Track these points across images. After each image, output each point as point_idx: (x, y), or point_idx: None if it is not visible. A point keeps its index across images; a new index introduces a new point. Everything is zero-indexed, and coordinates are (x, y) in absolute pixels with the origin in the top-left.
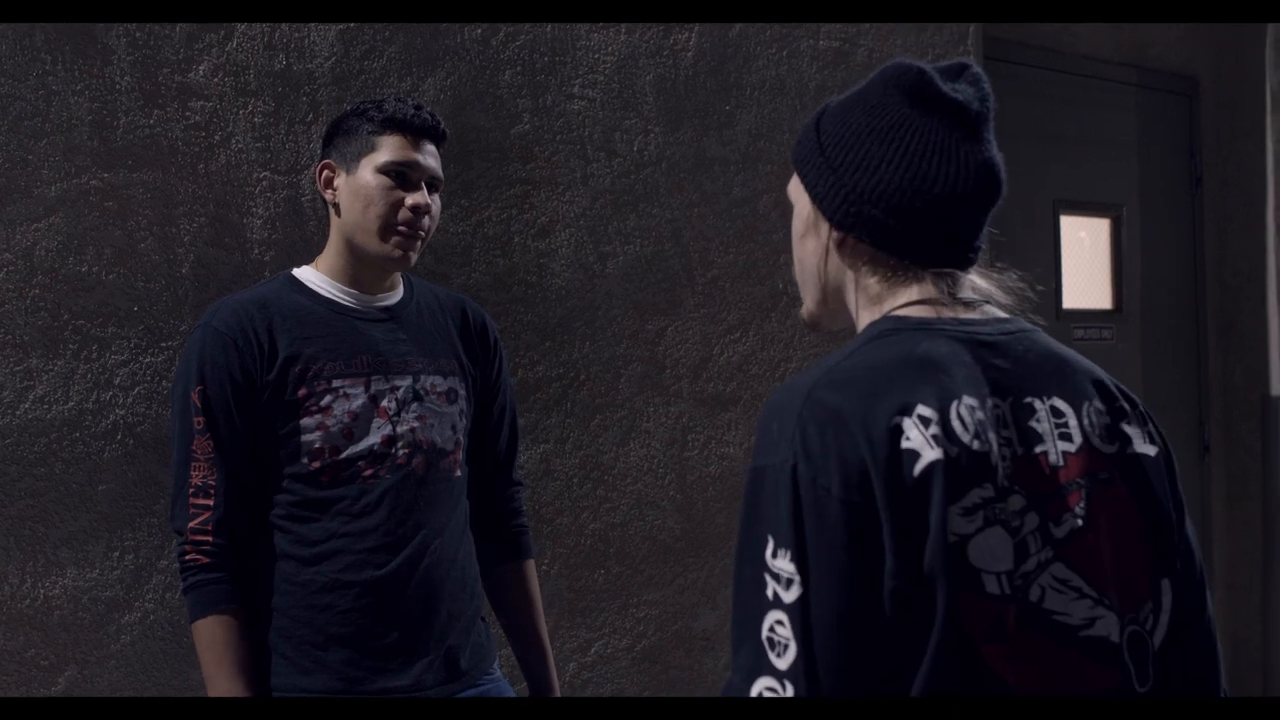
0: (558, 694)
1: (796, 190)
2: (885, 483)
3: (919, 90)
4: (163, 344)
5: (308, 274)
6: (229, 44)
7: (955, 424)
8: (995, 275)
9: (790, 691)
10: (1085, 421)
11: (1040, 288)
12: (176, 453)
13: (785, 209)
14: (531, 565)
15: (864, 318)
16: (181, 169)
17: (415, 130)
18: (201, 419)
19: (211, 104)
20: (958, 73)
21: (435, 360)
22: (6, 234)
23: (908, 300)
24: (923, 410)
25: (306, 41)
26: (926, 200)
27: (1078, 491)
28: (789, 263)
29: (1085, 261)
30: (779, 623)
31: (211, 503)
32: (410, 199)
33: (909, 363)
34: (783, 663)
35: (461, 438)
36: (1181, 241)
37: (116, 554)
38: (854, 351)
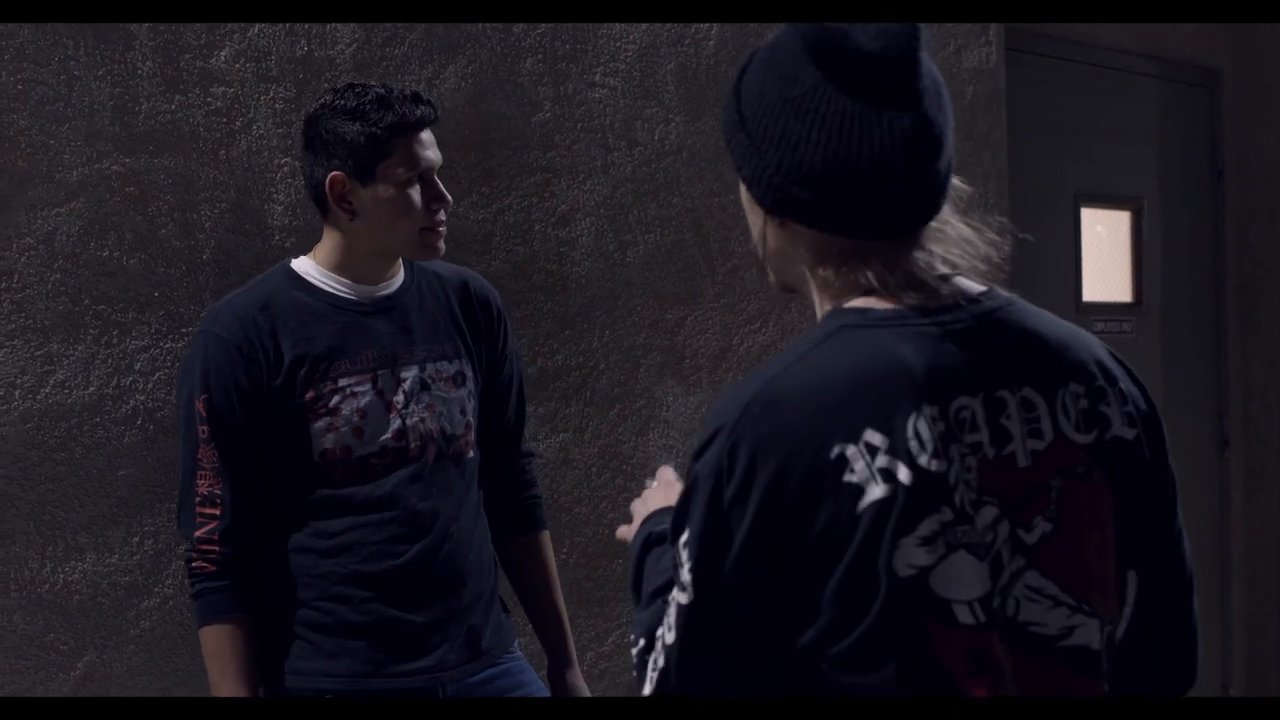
0: (575, 667)
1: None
2: (823, 516)
3: (828, 51)
4: (183, 330)
5: (306, 266)
6: (250, 30)
7: (912, 444)
8: (973, 224)
9: (662, 663)
10: (1059, 410)
11: (1052, 274)
12: (183, 459)
13: None
14: (546, 537)
15: (822, 302)
16: (203, 155)
17: (422, 126)
18: (206, 428)
19: (233, 90)
20: (878, 23)
21: (440, 344)
22: (28, 219)
23: (866, 285)
24: (870, 436)
25: (328, 28)
26: (855, 176)
27: (1048, 493)
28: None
29: (1105, 254)
30: (675, 601)
31: (218, 512)
32: (437, 201)
33: (863, 374)
34: (669, 637)
35: (471, 419)
36: (1202, 234)
37: (136, 539)
38: (805, 354)
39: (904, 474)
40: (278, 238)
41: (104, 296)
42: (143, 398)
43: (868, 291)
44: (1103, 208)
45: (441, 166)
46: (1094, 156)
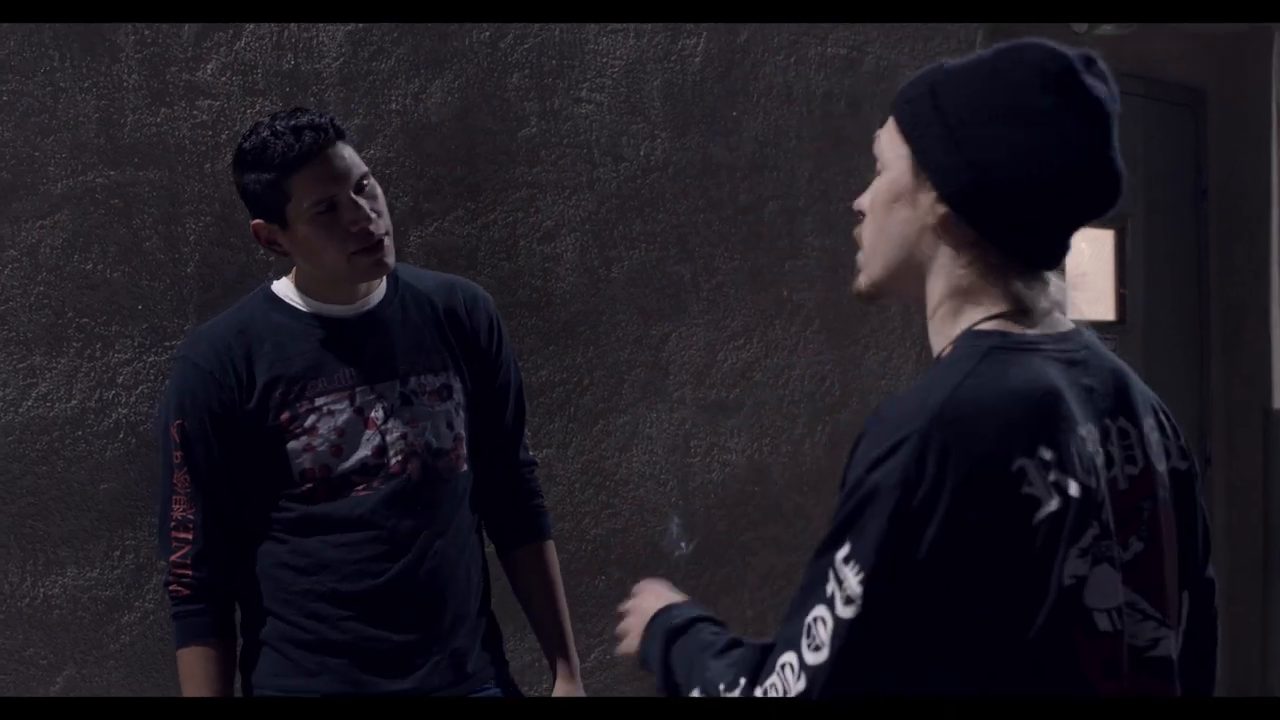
0: (577, 680)
1: (894, 153)
2: (1002, 526)
3: (1065, 80)
4: (166, 343)
5: (285, 289)
6: (237, 43)
7: (1075, 463)
8: (1059, 275)
9: (801, 685)
10: (1145, 440)
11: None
12: (161, 485)
13: (790, 216)
14: (550, 546)
15: (941, 311)
16: (188, 168)
17: (313, 155)
18: (180, 453)
19: (219, 103)
20: (1088, 64)
21: (424, 358)
22: (12, 230)
23: (994, 306)
24: (1044, 453)
25: (315, 42)
26: (1054, 201)
27: (1140, 515)
28: (794, 270)
29: (1089, 272)
30: (821, 620)
31: (190, 536)
32: (354, 225)
33: (1029, 393)
34: (813, 658)
35: (461, 432)
36: (1185, 254)
37: (117, 553)
38: (974, 369)
39: (1073, 488)
40: (262, 251)
41: (87, 309)
42: (125, 411)
43: (993, 313)
44: (1087, 226)
45: (427, 180)
46: None
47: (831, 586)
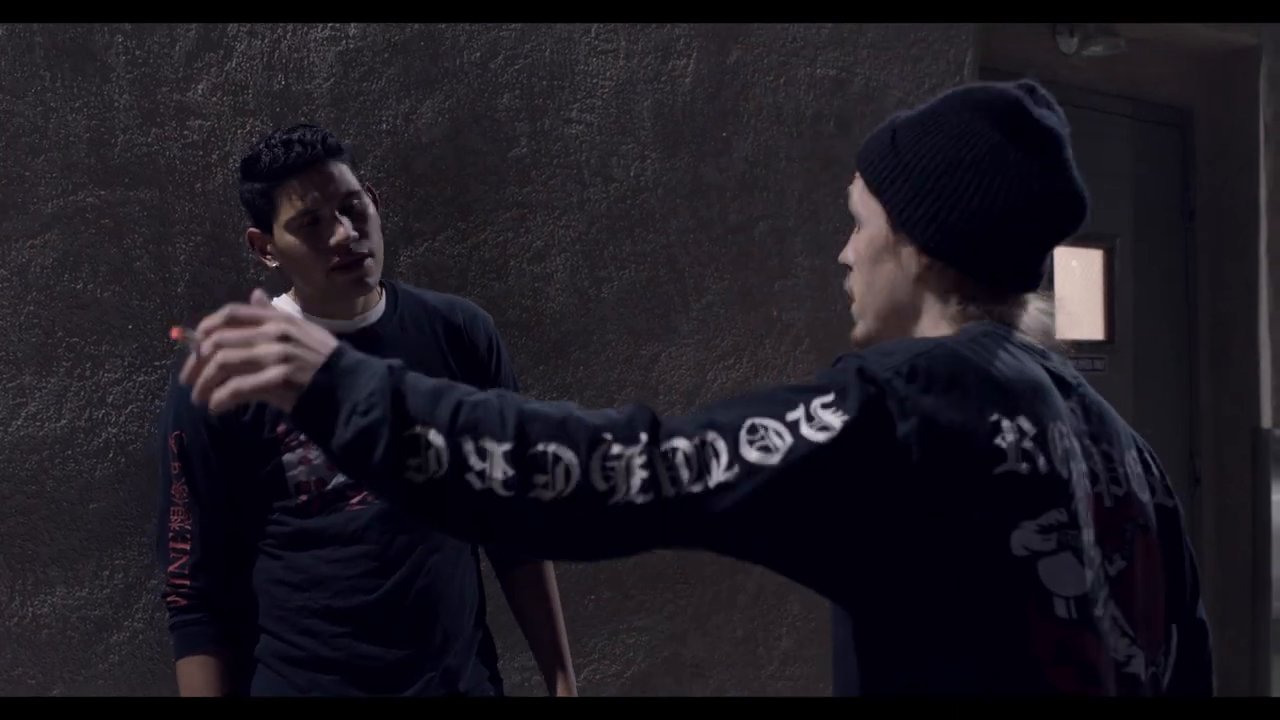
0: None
1: (869, 210)
2: (967, 468)
3: (1013, 119)
4: (156, 363)
5: (285, 304)
6: (228, 63)
7: (1051, 446)
8: (1044, 300)
9: (728, 475)
10: (1127, 470)
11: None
12: (159, 496)
13: (780, 236)
14: (548, 566)
15: (940, 332)
16: (179, 187)
17: (299, 169)
18: (178, 464)
19: (210, 123)
20: (1028, 90)
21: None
22: (2, 250)
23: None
24: (1023, 422)
25: (306, 62)
26: (1025, 230)
27: (1123, 534)
28: (783, 290)
29: (1078, 292)
30: (774, 430)
31: (188, 547)
32: (333, 239)
33: (1021, 373)
34: (754, 455)
35: None
36: (1174, 273)
37: (106, 573)
38: (974, 339)
39: (1041, 462)
40: (253, 271)
41: (77, 329)
42: (115, 430)
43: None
44: (1075, 246)
45: (418, 200)
46: None
47: (798, 415)
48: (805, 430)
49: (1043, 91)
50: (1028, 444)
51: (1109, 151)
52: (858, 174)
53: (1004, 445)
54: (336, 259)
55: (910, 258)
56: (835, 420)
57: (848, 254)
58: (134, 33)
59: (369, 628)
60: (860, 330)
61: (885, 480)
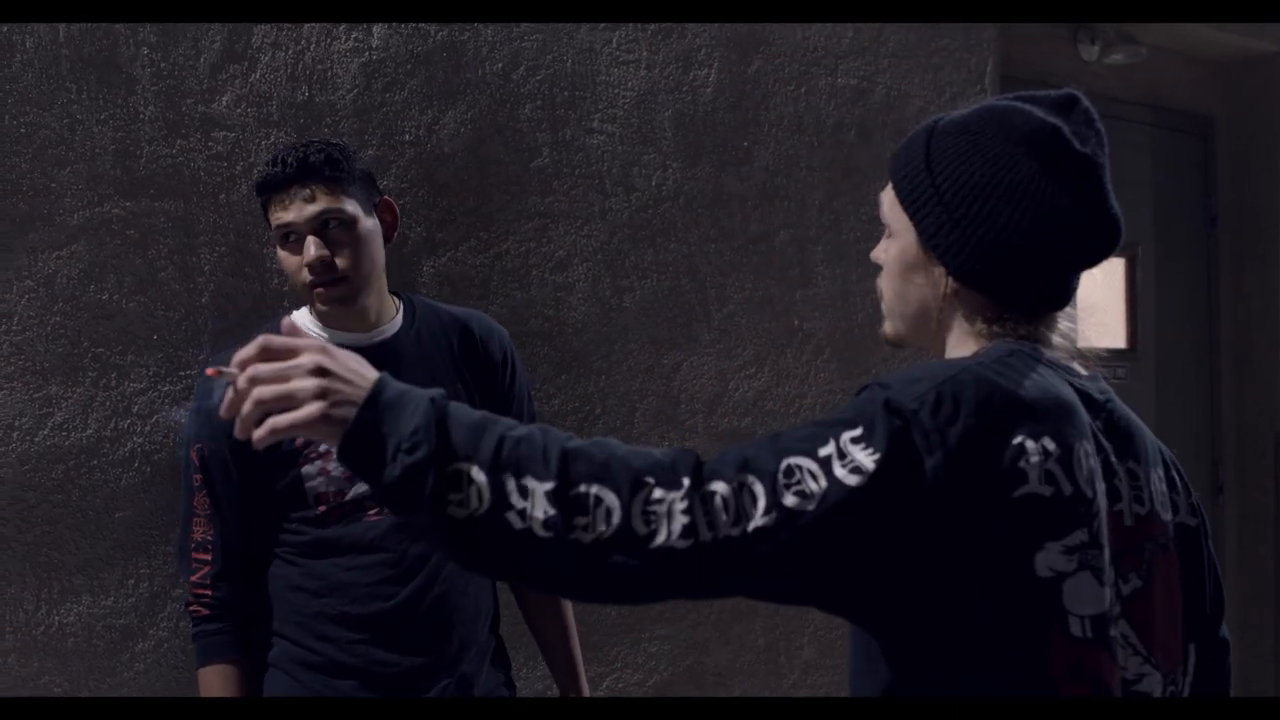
0: None
1: (900, 224)
2: (991, 492)
3: (1051, 150)
4: (181, 373)
5: (303, 318)
6: (252, 75)
7: (1076, 467)
8: (1069, 317)
9: (765, 520)
10: (1151, 488)
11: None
12: (182, 507)
13: (801, 245)
14: None
15: (966, 346)
16: (203, 198)
17: (279, 187)
18: (199, 476)
19: (234, 134)
20: (1068, 108)
21: (438, 387)
22: (29, 261)
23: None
24: (1048, 443)
25: (329, 74)
26: (1056, 259)
27: (1141, 554)
28: (805, 299)
29: (1101, 299)
30: (809, 472)
31: (209, 558)
32: (305, 259)
33: (1047, 393)
34: (791, 500)
35: None
36: (1196, 280)
37: (131, 581)
38: (999, 360)
39: (1065, 485)
40: (276, 281)
41: (103, 339)
42: (140, 440)
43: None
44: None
45: (440, 210)
46: None
47: (830, 450)
48: (838, 471)
49: (1084, 105)
50: (1052, 465)
51: (1130, 159)
52: (890, 183)
53: (1026, 468)
54: (311, 277)
55: (939, 278)
56: (867, 461)
57: (879, 254)
58: (159, 45)
59: (386, 634)
60: (889, 328)
61: (914, 511)
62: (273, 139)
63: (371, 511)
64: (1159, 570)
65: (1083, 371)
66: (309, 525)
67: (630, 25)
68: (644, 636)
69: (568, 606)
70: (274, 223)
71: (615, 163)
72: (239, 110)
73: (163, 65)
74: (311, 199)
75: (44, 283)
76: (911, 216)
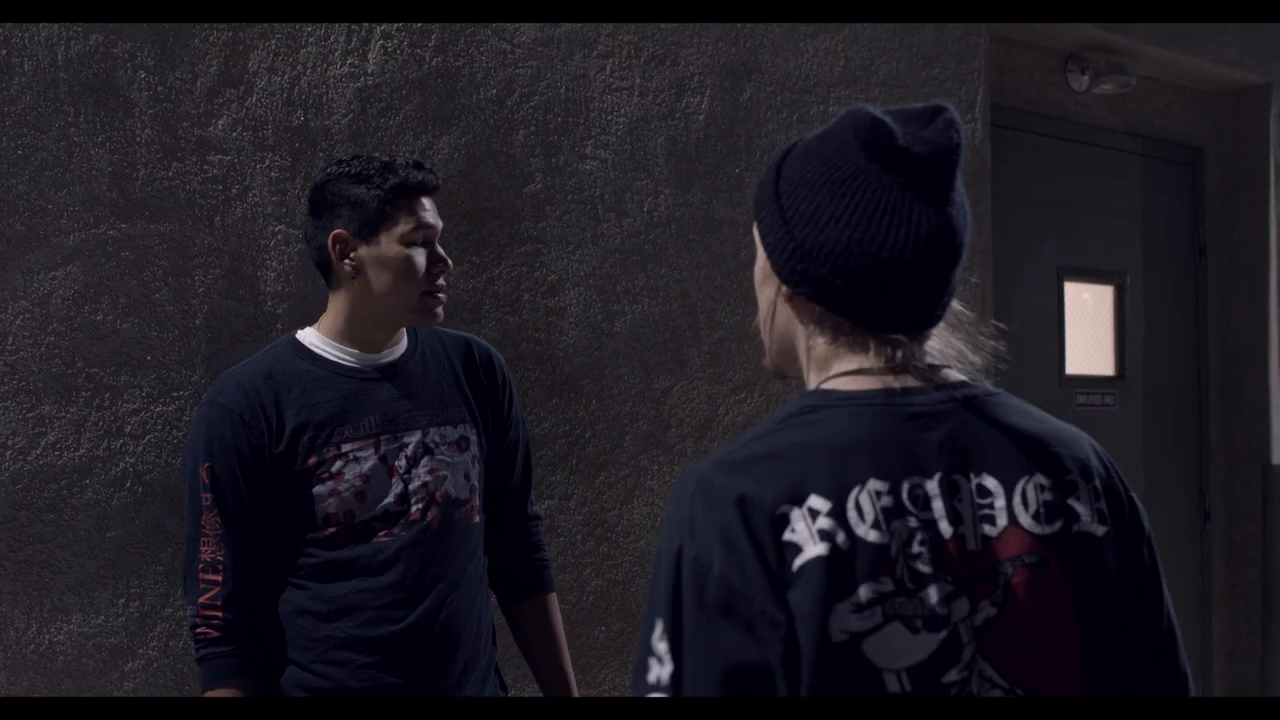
0: None
1: (758, 236)
2: (767, 572)
3: (874, 142)
4: (174, 393)
5: (311, 337)
6: (248, 99)
7: (851, 514)
8: (962, 336)
9: None
10: (1016, 501)
11: (1035, 348)
12: (187, 527)
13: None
14: (553, 599)
15: (811, 378)
16: (198, 221)
17: (426, 192)
18: (209, 495)
19: (229, 158)
20: (928, 118)
21: (443, 410)
22: (24, 281)
23: (852, 368)
24: (814, 502)
25: (324, 98)
26: (873, 264)
27: (996, 578)
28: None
29: (1088, 328)
30: (658, 678)
31: (220, 578)
32: (438, 264)
33: (818, 446)
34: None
35: (476, 484)
36: (1184, 309)
37: (122, 601)
38: (767, 431)
39: (841, 539)
40: (270, 304)
41: (97, 359)
42: (133, 460)
43: (852, 370)
44: (1086, 282)
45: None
46: (1078, 232)
47: (654, 671)
48: (664, 676)
49: (949, 115)
50: (824, 523)
51: (1119, 188)
52: None
53: (795, 537)
54: (430, 284)
55: (777, 286)
56: (663, 646)
57: None
58: (156, 68)
59: (395, 657)
60: (767, 358)
61: (736, 609)
62: (268, 163)
63: (381, 533)
64: (1024, 592)
65: (949, 379)
66: (319, 547)
67: (623, 53)
68: (632, 659)
69: (560, 626)
70: (412, 224)
71: (608, 188)
72: (235, 134)
73: (159, 89)
74: (436, 210)
75: (39, 303)
76: (756, 224)
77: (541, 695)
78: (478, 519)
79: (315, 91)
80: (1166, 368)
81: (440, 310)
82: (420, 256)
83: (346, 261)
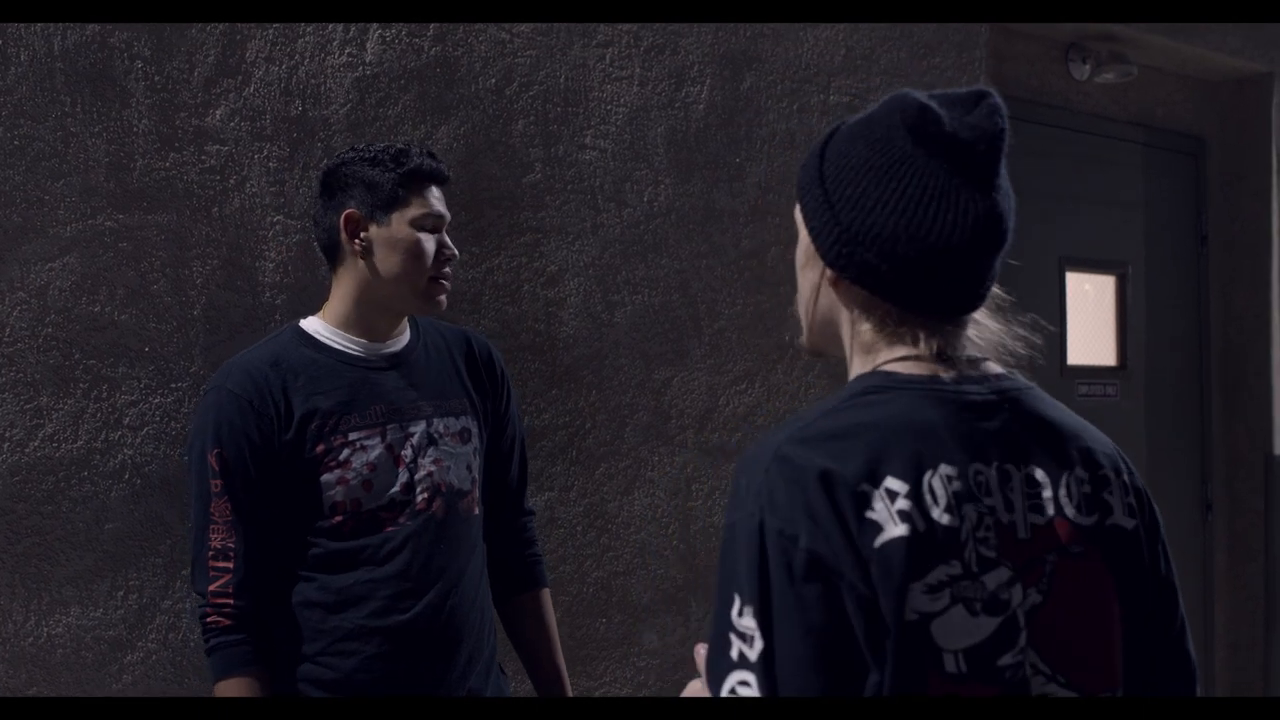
0: None
1: (800, 220)
2: (852, 548)
3: (921, 127)
4: (172, 385)
5: (315, 325)
6: (246, 89)
7: (927, 497)
8: (1001, 321)
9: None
10: (1061, 492)
11: (1037, 333)
12: (195, 515)
13: (793, 263)
14: (547, 595)
15: (856, 363)
16: (196, 212)
17: (438, 180)
18: (219, 482)
19: (227, 148)
20: (973, 103)
21: (446, 401)
22: (21, 273)
23: (902, 354)
24: (892, 483)
25: (322, 88)
26: (921, 249)
27: (1042, 566)
28: (796, 315)
29: (1090, 318)
30: (743, 683)
31: (231, 565)
32: (447, 251)
33: (889, 427)
34: (746, 691)
35: (477, 476)
36: (1186, 299)
37: (121, 593)
38: (835, 409)
39: (919, 521)
40: (268, 294)
41: (95, 351)
42: (131, 452)
43: (903, 356)
44: (1087, 272)
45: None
46: (1080, 222)
47: (736, 647)
48: (750, 655)
49: (993, 100)
50: (902, 504)
51: (1121, 178)
52: None
53: (876, 516)
54: (437, 271)
55: (821, 270)
56: (751, 624)
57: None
58: (153, 58)
59: (402, 647)
60: (801, 336)
61: (827, 580)
62: (266, 153)
63: (387, 521)
64: (1070, 582)
65: (990, 371)
66: (325, 537)
67: (623, 42)
68: (633, 652)
69: (552, 620)
70: (424, 209)
71: (607, 178)
72: (232, 124)
73: (156, 79)
74: (445, 203)
75: (36, 294)
76: (801, 207)
77: (535, 690)
78: (478, 511)
79: (313, 81)
80: (1168, 358)
81: (444, 299)
82: (429, 242)
83: (357, 241)
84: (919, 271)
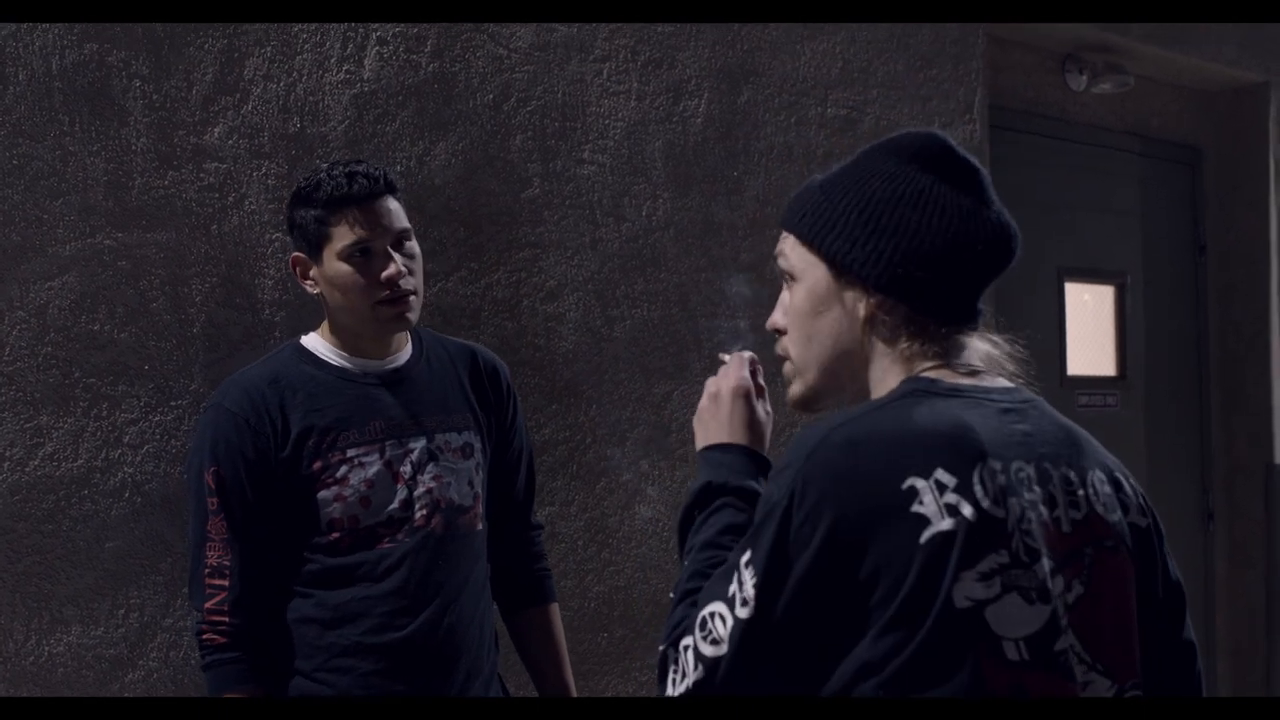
0: None
1: (805, 263)
2: (887, 544)
3: (943, 160)
4: (172, 403)
5: (315, 342)
6: (244, 107)
7: (977, 489)
8: (1001, 341)
9: (699, 674)
10: (1091, 491)
11: (1036, 349)
12: (192, 532)
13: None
14: (555, 609)
15: (888, 381)
16: (195, 229)
17: (359, 200)
18: (215, 500)
19: (225, 166)
20: (937, 139)
21: (448, 416)
22: (21, 292)
23: (937, 363)
24: (941, 475)
25: (321, 105)
26: (969, 262)
27: (1082, 559)
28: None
29: (1089, 328)
30: (720, 616)
31: (227, 583)
32: (384, 273)
33: (937, 428)
34: (710, 650)
35: (480, 491)
36: (1185, 309)
37: (121, 612)
38: (886, 405)
39: (968, 511)
40: (268, 312)
41: (94, 369)
42: (131, 470)
43: (938, 365)
44: (1086, 283)
45: (431, 241)
46: (1077, 232)
47: (734, 587)
48: (738, 609)
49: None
50: (950, 497)
51: (1119, 188)
52: (786, 233)
53: (924, 509)
54: (386, 292)
55: (856, 300)
56: (750, 588)
57: (776, 318)
58: (151, 77)
59: (399, 664)
60: (798, 389)
61: (824, 587)
62: (264, 170)
63: (385, 539)
64: (1105, 574)
65: (1003, 384)
66: (322, 553)
67: (620, 57)
68: (635, 665)
69: (560, 634)
70: (349, 238)
71: (606, 193)
72: (231, 142)
73: (155, 97)
74: (391, 213)
75: (36, 313)
76: (819, 247)
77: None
78: (481, 526)
79: (311, 98)
80: (1168, 367)
81: (407, 314)
82: (363, 270)
83: (308, 283)
84: (966, 280)
